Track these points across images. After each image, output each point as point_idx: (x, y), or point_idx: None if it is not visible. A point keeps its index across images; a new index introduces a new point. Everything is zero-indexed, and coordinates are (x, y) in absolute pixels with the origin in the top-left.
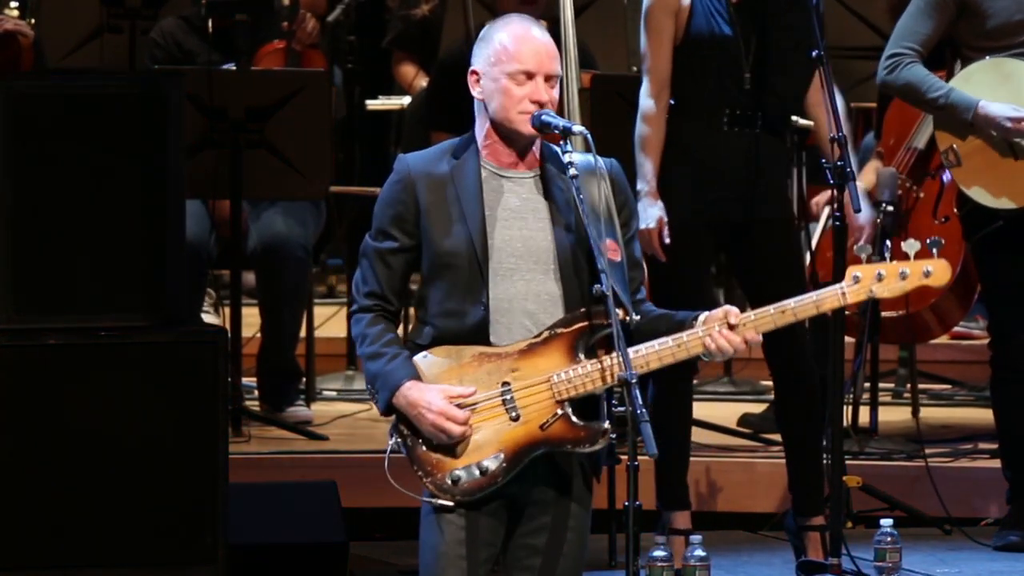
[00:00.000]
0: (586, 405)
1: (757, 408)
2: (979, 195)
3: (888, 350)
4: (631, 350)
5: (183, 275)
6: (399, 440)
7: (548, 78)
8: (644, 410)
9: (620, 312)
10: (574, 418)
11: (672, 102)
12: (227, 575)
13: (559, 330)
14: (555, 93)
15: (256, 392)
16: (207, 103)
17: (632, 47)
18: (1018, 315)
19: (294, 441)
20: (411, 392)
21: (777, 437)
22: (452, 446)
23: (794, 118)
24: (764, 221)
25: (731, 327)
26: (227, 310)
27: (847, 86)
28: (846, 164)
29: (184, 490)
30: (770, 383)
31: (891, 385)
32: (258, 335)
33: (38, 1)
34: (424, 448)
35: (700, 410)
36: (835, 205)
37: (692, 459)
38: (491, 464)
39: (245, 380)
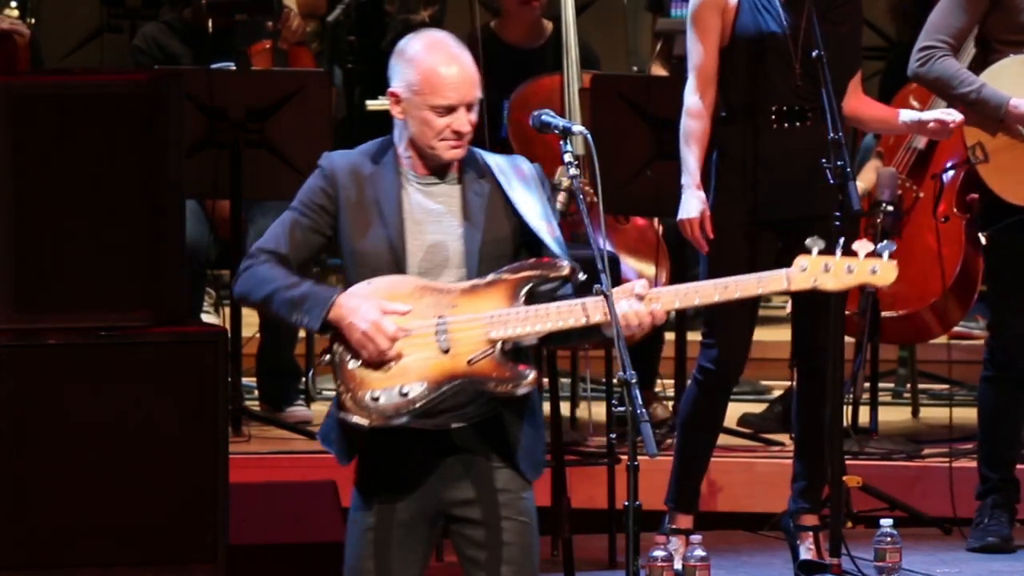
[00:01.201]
0: (517, 355)
1: (757, 408)
2: (1005, 192)
3: (888, 350)
4: (531, 307)
5: (183, 275)
6: (328, 357)
7: (469, 107)
8: (644, 410)
9: (567, 267)
10: (502, 358)
11: (723, 114)
12: (227, 575)
13: (504, 275)
14: (474, 116)
15: (256, 392)
16: (207, 103)
17: (632, 47)
18: (1020, 309)
19: (294, 441)
20: (349, 301)
21: (777, 437)
22: (378, 365)
23: None
24: (820, 218)
25: (639, 298)
26: (227, 310)
27: None
28: (846, 164)
29: (184, 490)
30: (770, 383)
31: (891, 385)
32: (258, 335)
33: (38, 1)
34: (350, 363)
35: None
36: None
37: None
38: (412, 390)
39: (245, 380)
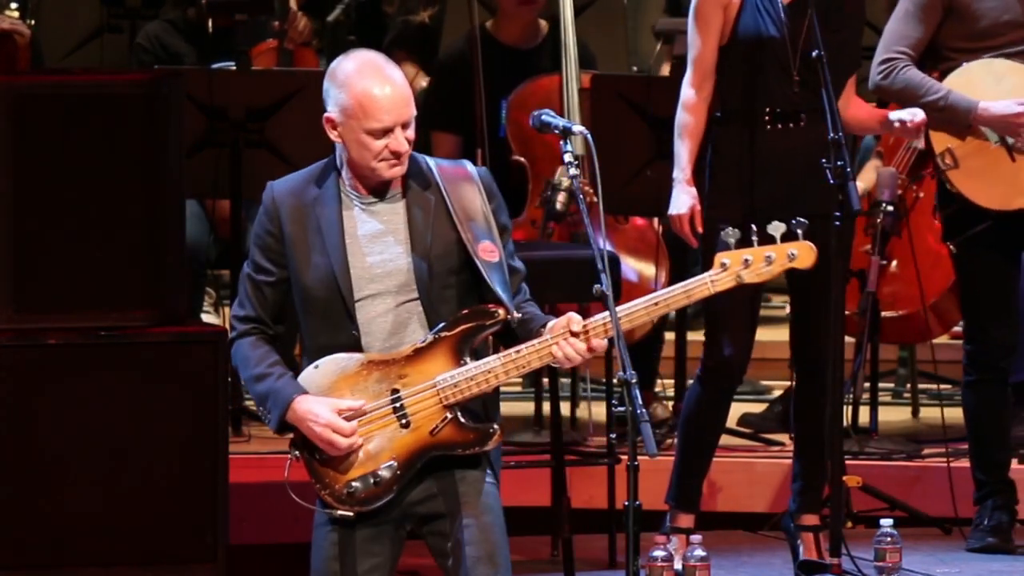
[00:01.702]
0: (476, 405)
1: (757, 408)
2: (977, 196)
3: (888, 350)
4: (477, 364)
5: (183, 275)
6: (297, 453)
7: (405, 126)
8: (644, 410)
9: (501, 311)
10: (463, 420)
11: (718, 114)
12: (227, 575)
13: (443, 333)
14: (411, 132)
15: None
16: (207, 103)
17: (632, 47)
18: (996, 314)
19: None
20: (300, 405)
21: (777, 437)
22: (346, 457)
23: None
24: (817, 217)
25: (574, 334)
26: (227, 310)
27: None
28: (846, 164)
29: (184, 490)
30: (770, 383)
31: (891, 385)
32: None
33: (38, 1)
34: (319, 461)
35: None
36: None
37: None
38: (385, 473)
39: None
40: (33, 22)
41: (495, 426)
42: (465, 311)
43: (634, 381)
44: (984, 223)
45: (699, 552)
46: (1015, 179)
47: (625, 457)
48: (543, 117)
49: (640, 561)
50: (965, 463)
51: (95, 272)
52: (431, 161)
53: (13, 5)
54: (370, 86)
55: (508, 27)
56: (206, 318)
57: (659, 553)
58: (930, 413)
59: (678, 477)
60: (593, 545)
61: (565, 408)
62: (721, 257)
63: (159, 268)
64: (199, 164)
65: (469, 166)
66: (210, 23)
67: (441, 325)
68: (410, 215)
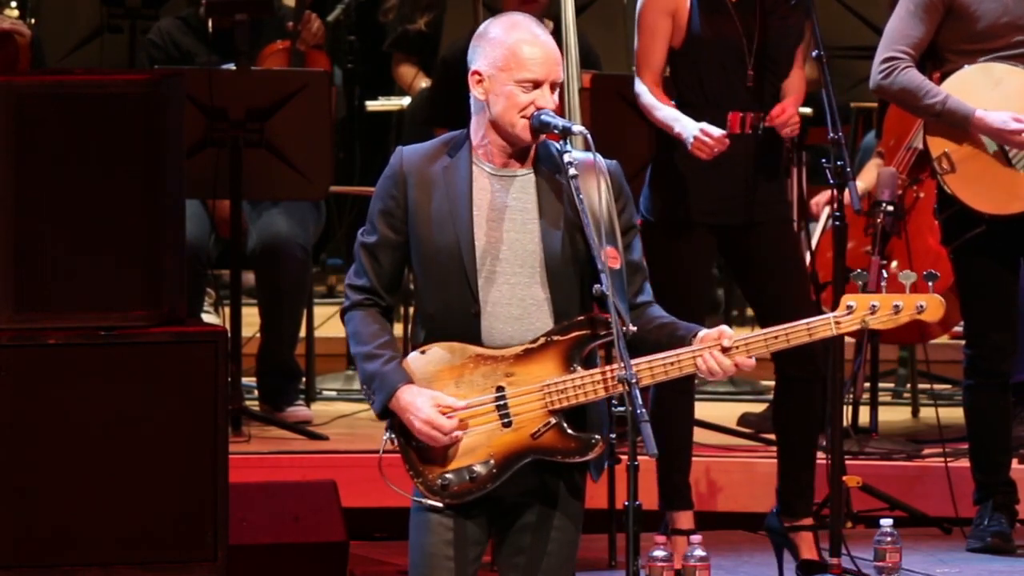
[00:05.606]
0: (580, 413)
1: (757, 408)
2: (973, 200)
3: (888, 350)
4: (587, 375)
5: (183, 275)
6: (393, 436)
7: (553, 85)
8: (644, 410)
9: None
10: (566, 428)
11: (674, 103)
12: (227, 575)
13: (555, 337)
14: (556, 98)
15: (256, 392)
16: (207, 103)
17: (632, 47)
18: (995, 319)
19: (294, 441)
20: (404, 396)
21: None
22: (443, 449)
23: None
24: (764, 223)
25: (724, 350)
26: (227, 310)
27: (847, 86)
28: (845, 164)
29: (184, 490)
30: (770, 383)
31: (891, 385)
32: (258, 335)
33: (38, 1)
34: (415, 448)
35: (700, 410)
36: (835, 205)
37: (692, 459)
38: (481, 469)
39: (245, 380)
40: (33, 21)
41: (596, 437)
42: (580, 317)
43: (634, 381)
44: (978, 228)
45: (699, 552)
46: (1011, 184)
47: (625, 457)
48: (543, 117)
49: (640, 561)
50: (965, 463)
51: (95, 272)
52: (563, 149)
53: (12, 4)
54: (525, 38)
55: None
56: (206, 318)
57: (659, 553)
58: (930, 413)
59: (661, 478)
60: (593, 545)
61: None
62: (848, 299)
63: (159, 268)
64: (199, 164)
65: (599, 158)
66: (210, 23)
67: (553, 328)
68: (540, 194)
